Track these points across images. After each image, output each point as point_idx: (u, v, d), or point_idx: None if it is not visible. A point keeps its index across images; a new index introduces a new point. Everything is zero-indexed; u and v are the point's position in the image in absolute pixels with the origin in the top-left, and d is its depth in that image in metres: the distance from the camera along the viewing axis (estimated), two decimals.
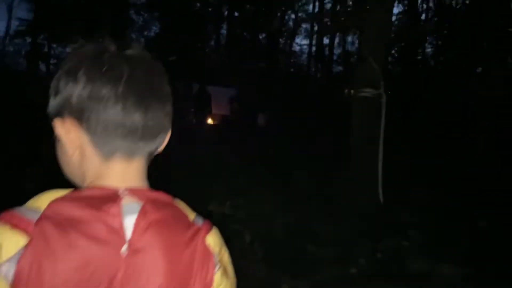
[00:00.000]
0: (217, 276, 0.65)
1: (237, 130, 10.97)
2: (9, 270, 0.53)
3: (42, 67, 19.74)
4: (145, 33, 22.38)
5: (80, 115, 0.61)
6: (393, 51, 17.05)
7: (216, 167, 6.07)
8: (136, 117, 0.61)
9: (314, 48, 25.41)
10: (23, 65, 19.54)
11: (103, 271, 0.56)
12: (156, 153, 0.68)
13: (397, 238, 3.70)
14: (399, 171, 5.90)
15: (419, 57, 19.18)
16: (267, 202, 4.66)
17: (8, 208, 0.58)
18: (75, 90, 0.61)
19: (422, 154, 7.33)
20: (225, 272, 0.67)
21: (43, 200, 0.58)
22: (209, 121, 12.74)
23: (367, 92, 5.40)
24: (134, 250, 0.58)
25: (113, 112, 0.61)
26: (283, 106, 14.76)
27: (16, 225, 0.54)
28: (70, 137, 0.63)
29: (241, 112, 14.62)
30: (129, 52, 0.64)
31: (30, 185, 5.02)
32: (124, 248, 0.57)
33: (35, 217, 0.55)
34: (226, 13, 24.22)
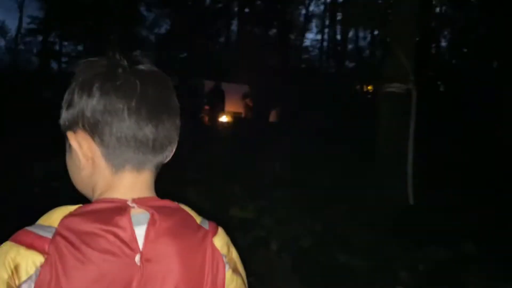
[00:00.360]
0: (228, 275, 0.67)
1: (250, 128, 10.68)
2: None
3: (54, 65, 19.67)
4: (156, 30, 22.19)
5: (93, 128, 0.63)
6: None
7: (233, 168, 5.79)
8: (148, 130, 0.63)
9: (326, 44, 25.03)
10: (35, 63, 19.49)
11: (119, 283, 0.57)
12: (162, 164, 0.69)
13: (437, 246, 3.38)
14: (427, 171, 5.55)
15: (433, 51, 18.65)
16: (290, 205, 4.37)
17: (16, 227, 0.58)
18: (89, 103, 0.62)
19: (450, 152, 6.95)
20: (235, 270, 0.69)
21: (55, 217, 0.59)
22: (222, 118, 12.46)
23: (395, 87, 5.08)
24: (147, 260, 0.59)
25: (126, 125, 0.62)
26: (297, 103, 14.42)
27: (32, 245, 0.55)
28: (82, 149, 0.64)
29: (254, 109, 14.32)
30: (140, 67, 0.65)
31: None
32: (137, 259, 0.58)
33: (49, 235, 0.56)
34: (236, 9, 23.95)
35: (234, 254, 0.71)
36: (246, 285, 0.72)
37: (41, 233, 0.56)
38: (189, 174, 5.37)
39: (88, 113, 0.62)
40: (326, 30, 24.39)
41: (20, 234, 0.57)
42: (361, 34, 23.48)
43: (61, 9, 17.17)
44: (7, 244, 0.57)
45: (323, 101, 14.57)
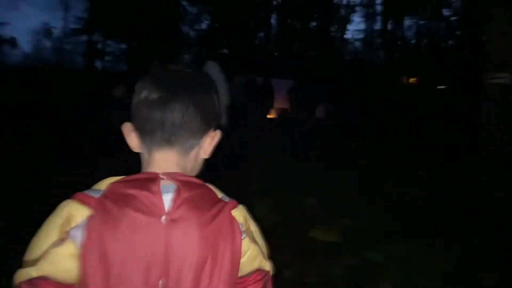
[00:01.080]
0: (245, 242, 0.79)
1: (300, 126, 9.92)
2: (77, 235, 0.70)
3: (98, 64, 19.76)
4: (196, 26, 21.78)
5: (132, 119, 0.81)
6: None
7: (300, 175, 5.08)
8: (156, 115, 0.76)
9: (371, 34, 23.76)
10: (80, 62, 19.65)
11: (149, 237, 0.71)
12: (197, 151, 0.82)
13: None
14: None
15: None
16: (380, 222, 3.61)
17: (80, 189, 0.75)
18: (132, 100, 0.80)
19: None
20: (252, 240, 0.81)
21: (104, 183, 0.76)
22: (271, 116, 11.78)
23: (504, 77, 4.18)
24: (172, 220, 0.73)
25: (144, 112, 0.77)
26: (345, 97, 13.46)
27: (83, 201, 0.73)
28: (130, 138, 0.82)
29: (302, 104, 13.52)
30: (177, 67, 0.82)
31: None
32: (163, 218, 0.73)
33: (97, 195, 0.74)
34: (275, 3, 23.20)
35: (252, 227, 0.82)
36: (265, 255, 0.83)
37: (92, 194, 0.74)
38: (252, 183, 4.73)
39: (131, 108, 0.79)
40: (374, 20, 23.09)
41: (76, 193, 0.74)
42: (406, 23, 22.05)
43: (105, 8, 17.13)
44: (66, 200, 0.74)
45: (375, 95, 13.54)
